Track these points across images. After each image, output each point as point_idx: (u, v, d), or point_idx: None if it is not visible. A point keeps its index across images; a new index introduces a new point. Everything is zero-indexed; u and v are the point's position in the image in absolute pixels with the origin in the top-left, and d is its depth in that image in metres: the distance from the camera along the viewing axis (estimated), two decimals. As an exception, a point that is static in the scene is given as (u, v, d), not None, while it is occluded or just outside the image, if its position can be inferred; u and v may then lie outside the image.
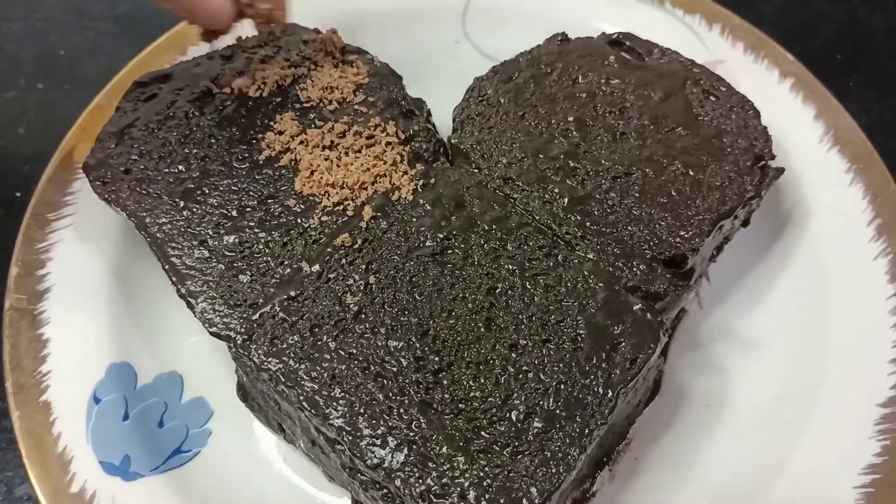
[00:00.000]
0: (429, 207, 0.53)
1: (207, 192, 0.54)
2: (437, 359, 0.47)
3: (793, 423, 0.54)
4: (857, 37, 0.82)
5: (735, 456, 0.53)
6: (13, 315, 0.55)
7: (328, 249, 0.51)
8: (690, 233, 0.52)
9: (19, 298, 0.55)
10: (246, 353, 0.48)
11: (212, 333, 0.49)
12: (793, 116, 0.66)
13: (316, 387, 0.46)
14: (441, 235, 0.52)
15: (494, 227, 0.53)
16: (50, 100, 0.78)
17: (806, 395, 0.55)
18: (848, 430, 0.52)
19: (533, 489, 0.43)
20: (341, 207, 0.53)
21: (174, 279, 0.51)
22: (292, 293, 0.50)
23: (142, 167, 0.55)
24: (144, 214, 0.53)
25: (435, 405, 0.45)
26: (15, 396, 0.52)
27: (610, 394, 0.46)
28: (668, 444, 0.54)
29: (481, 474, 0.43)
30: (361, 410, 0.45)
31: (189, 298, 0.50)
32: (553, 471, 0.43)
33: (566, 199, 0.54)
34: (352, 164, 0.55)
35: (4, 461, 0.57)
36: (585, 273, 0.50)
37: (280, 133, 0.57)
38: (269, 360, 0.48)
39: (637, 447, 0.54)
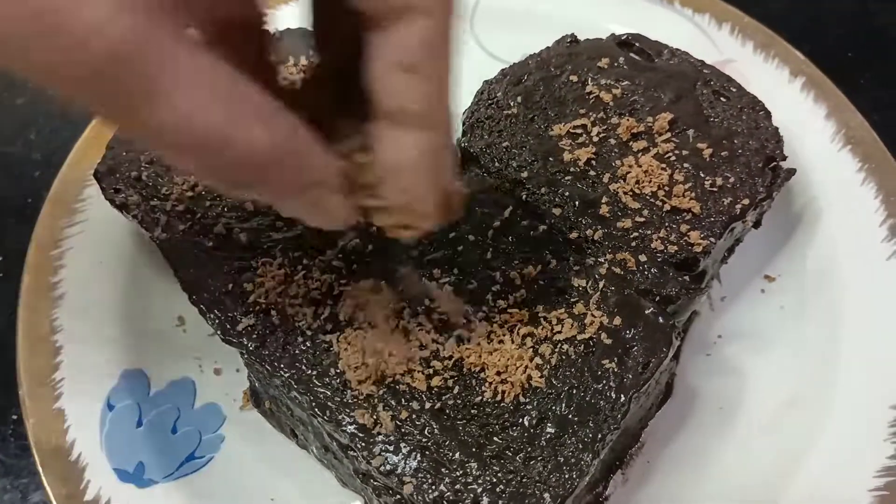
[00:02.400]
0: (439, 212, 0.53)
1: (219, 198, 0.54)
2: (449, 364, 0.47)
3: (806, 425, 0.54)
4: (868, 34, 0.82)
5: (748, 458, 0.53)
6: (26, 322, 0.55)
7: (339, 254, 0.51)
8: (702, 235, 0.52)
9: (32, 306, 0.56)
10: (258, 359, 0.48)
11: (224, 340, 0.49)
12: (804, 116, 0.65)
13: (328, 393, 0.46)
14: (451, 241, 0.52)
15: (505, 231, 0.53)
16: (59, 106, 0.78)
17: (819, 397, 0.54)
18: (862, 432, 0.52)
19: (546, 495, 0.43)
20: (352, 213, 0.53)
21: (186, 286, 0.51)
22: (304, 300, 0.50)
23: (153, 173, 0.55)
24: (156, 221, 0.53)
25: (447, 411, 0.45)
26: (29, 404, 0.52)
27: (622, 398, 0.46)
28: (680, 447, 0.54)
29: (494, 480, 0.43)
30: (374, 416, 0.45)
31: (201, 305, 0.50)
32: (566, 476, 0.43)
33: (577, 203, 0.53)
34: (362, 170, 0.55)
35: (19, 468, 0.57)
36: (597, 277, 0.50)
37: (290, 138, 0.57)
38: (282, 366, 0.48)
39: (650, 450, 0.54)
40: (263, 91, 0.30)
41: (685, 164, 0.55)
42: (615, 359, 0.47)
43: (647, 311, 0.49)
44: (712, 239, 0.52)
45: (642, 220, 0.52)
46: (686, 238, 0.52)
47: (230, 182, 0.32)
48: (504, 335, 0.48)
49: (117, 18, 0.27)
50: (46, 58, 0.27)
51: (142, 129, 0.30)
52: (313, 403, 0.46)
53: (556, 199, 0.54)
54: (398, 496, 0.45)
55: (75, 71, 0.27)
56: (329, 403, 0.46)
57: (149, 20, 0.27)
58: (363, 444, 0.45)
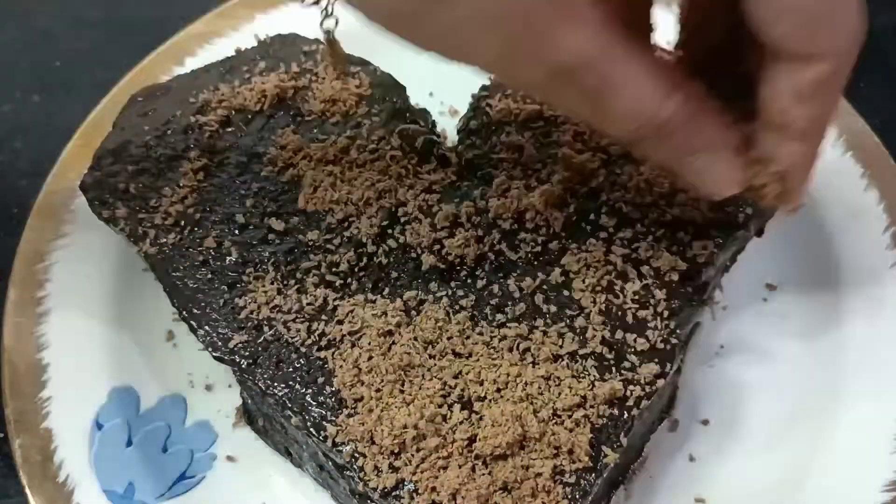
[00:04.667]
0: (435, 223, 0.52)
1: (208, 210, 0.53)
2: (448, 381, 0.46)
3: (810, 438, 0.53)
4: (868, 37, 0.80)
5: (751, 472, 0.52)
6: (11, 339, 0.54)
7: (333, 268, 0.50)
8: (704, 246, 0.50)
9: (17, 322, 0.54)
10: (251, 377, 0.47)
11: (215, 358, 0.48)
12: (804, 121, 0.64)
13: (323, 412, 0.45)
14: (449, 252, 0.51)
15: (503, 242, 0.51)
16: (46, 112, 0.76)
17: (823, 409, 0.54)
18: (867, 445, 0.51)
19: (548, 516, 0.42)
20: (346, 224, 0.52)
21: (175, 302, 0.50)
22: (297, 315, 0.48)
23: (141, 185, 0.54)
24: (144, 235, 0.52)
25: (447, 431, 0.44)
26: (15, 424, 0.51)
27: (625, 416, 0.45)
28: (683, 461, 0.53)
29: (496, 501, 0.42)
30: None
31: (191, 322, 0.49)
32: (569, 497, 0.42)
33: (576, 214, 0.52)
34: (356, 180, 0.53)
35: (5, 488, 0.55)
36: (598, 289, 0.49)
37: (282, 148, 0.55)
38: (275, 384, 0.46)
39: (652, 465, 0.53)
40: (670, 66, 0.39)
41: (686, 172, 0.54)
42: (618, 374, 0.46)
43: (649, 325, 0.48)
44: (715, 249, 0.51)
45: (643, 229, 0.51)
46: (688, 248, 0.51)
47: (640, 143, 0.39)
48: (502, 349, 0.47)
49: (581, 38, 0.34)
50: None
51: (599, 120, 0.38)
52: (308, 423, 0.45)
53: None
54: (396, 518, 0.44)
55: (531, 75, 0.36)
56: (324, 423, 0.45)
57: (601, 32, 0.34)
58: (360, 466, 0.43)
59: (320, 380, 0.46)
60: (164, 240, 0.52)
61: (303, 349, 0.47)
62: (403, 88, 0.60)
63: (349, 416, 0.45)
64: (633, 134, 0.38)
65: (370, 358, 0.46)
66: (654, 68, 0.36)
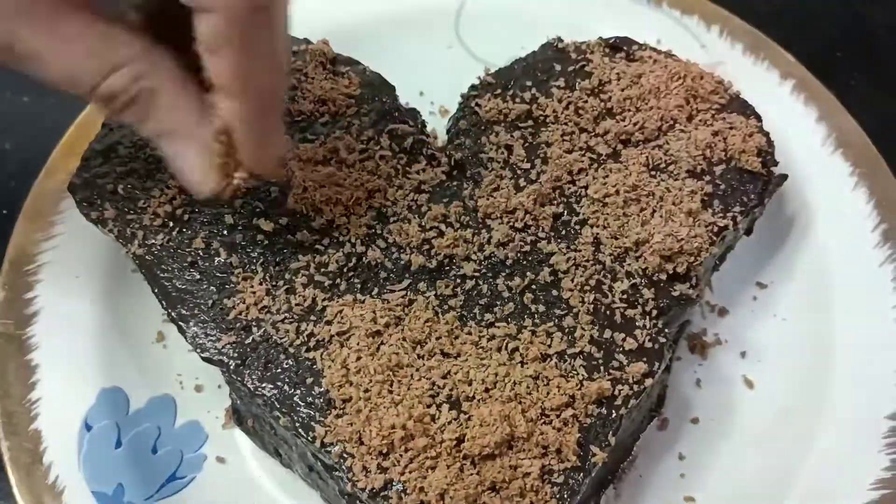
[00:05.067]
0: (424, 223, 0.52)
1: (197, 211, 0.53)
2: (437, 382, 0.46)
3: (799, 436, 0.53)
4: (858, 34, 0.81)
5: (740, 471, 0.53)
6: (0, 341, 0.54)
7: (322, 269, 0.50)
8: (693, 245, 0.50)
9: (6, 323, 0.54)
10: (239, 378, 0.47)
11: (203, 359, 0.48)
12: (794, 119, 0.64)
13: (312, 413, 0.45)
14: (437, 252, 0.51)
15: (492, 241, 0.51)
16: (36, 113, 0.76)
17: (812, 407, 0.54)
18: (856, 443, 0.51)
19: (537, 516, 0.42)
20: (335, 225, 0.52)
21: (164, 303, 0.50)
22: (286, 316, 0.48)
23: (129, 186, 0.54)
24: (133, 236, 0.52)
25: (435, 432, 0.44)
26: (4, 425, 0.51)
27: (614, 415, 0.45)
28: (672, 459, 0.53)
29: (484, 501, 0.42)
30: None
31: (180, 322, 0.49)
32: (557, 497, 0.42)
33: (566, 212, 0.52)
34: (345, 180, 0.53)
35: (-5, 489, 0.55)
36: (586, 288, 0.49)
37: (271, 148, 0.55)
38: (264, 385, 0.46)
39: (641, 464, 0.53)
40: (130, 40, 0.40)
41: (674, 171, 0.54)
42: (606, 373, 0.46)
43: (637, 324, 0.48)
44: (703, 248, 0.51)
45: (632, 228, 0.51)
46: (676, 247, 0.51)
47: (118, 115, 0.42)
48: (491, 349, 0.47)
49: None
50: None
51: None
52: (296, 424, 0.45)
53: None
54: (384, 518, 0.44)
55: None
56: (313, 424, 0.45)
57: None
58: (348, 466, 0.43)
59: (309, 380, 0.46)
60: (153, 241, 0.51)
61: (291, 350, 0.47)
62: (393, 88, 0.60)
63: (338, 416, 0.45)
64: (98, 101, 0.40)
65: (359, 358, 0.46)
66: (95, 36, 0.37)
